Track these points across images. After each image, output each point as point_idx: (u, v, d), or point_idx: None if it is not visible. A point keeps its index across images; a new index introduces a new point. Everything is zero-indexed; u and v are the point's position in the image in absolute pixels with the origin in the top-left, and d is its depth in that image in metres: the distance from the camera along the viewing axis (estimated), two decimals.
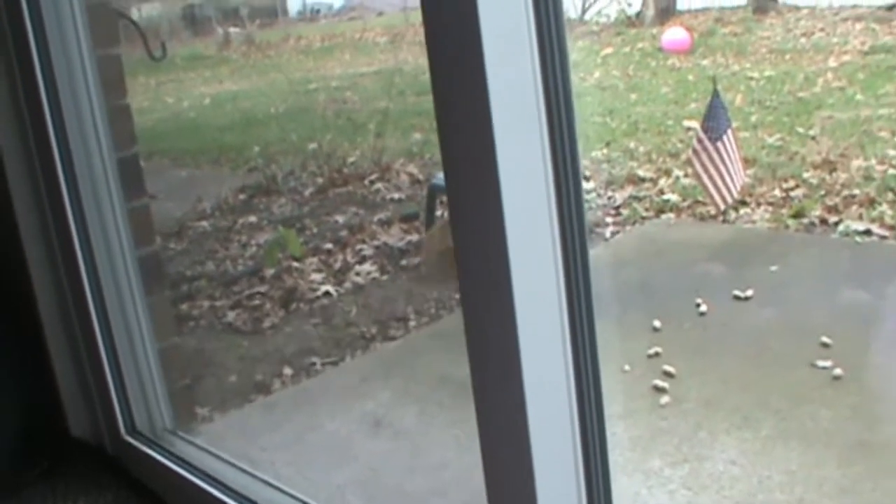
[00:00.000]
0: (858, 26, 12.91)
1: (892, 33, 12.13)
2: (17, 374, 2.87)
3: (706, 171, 5.46)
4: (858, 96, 9.07)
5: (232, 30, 18.71)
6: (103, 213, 2.73)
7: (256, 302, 5.25)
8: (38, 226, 2.80)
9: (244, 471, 2.71)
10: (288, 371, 4.40)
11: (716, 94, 5.69)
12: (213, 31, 18.19)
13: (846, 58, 11.21)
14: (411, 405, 3.77)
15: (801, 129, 8.02)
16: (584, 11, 16.25)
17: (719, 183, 5.51)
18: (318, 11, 21.16)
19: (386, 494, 3.17)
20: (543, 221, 1.43)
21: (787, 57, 11.18)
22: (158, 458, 2.76)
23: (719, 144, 5.50)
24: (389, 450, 3.48)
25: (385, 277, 5.50)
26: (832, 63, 10.96)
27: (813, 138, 7.72)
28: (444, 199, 6.07)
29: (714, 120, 5.55)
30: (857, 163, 6.68)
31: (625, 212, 6.25)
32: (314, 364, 4.45)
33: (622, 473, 3.14)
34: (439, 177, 6.08)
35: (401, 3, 18.53)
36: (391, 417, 3.69)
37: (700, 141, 5.48)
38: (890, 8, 13.22)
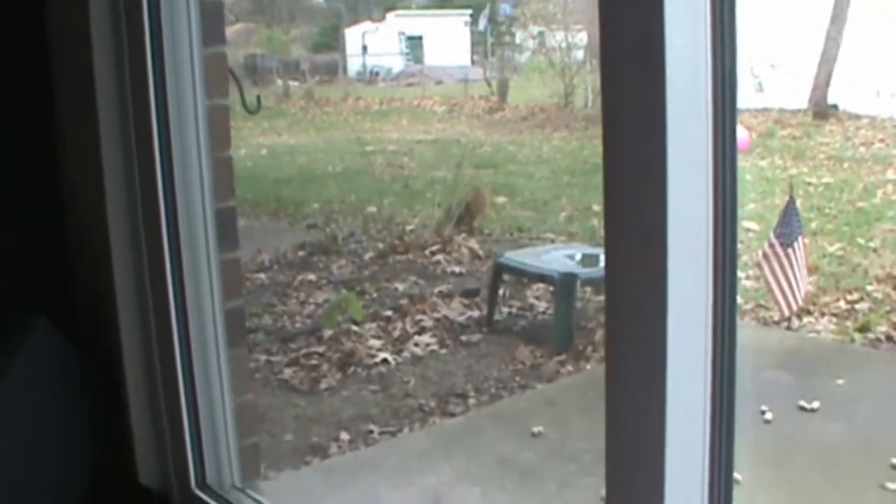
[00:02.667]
0: None
1: None
2: (92, 416, 2.84)
3: (774, 276, 5.42)
4: None
5: (292, 83, 18.91)
6: (198, 263, 2.72)
7: (314, 362, 5.23)
8: (133, 266, 2.79)
9: None
10: (345, 436, 4.36)
11: (792, 200, 5.67)
12: (273, 83, 18.38)
13: None
14: (473, 486, 3.72)
15: (861, 241, 7.96)
16: None
17: (786, 289, 5.46)
18: (377, 74, 21.38)
19: None
20: (701, 301, 1.41)
21: (846, 165, 11.15)
22: None
23: (790, 251, 5.46)
24: None
25: (444, 351, 5.47)
26: (891, 175, 10.90)
27: (875, 250, 7.66)
28: (512, 277, 6.09)
29: (787, 226, 5.52)
30: None
31: None
32: (371, 432, 4.41)
33: None
34: (507, 256, 6.08)
35: (460, 74, 18.71)
36: (452, 496, 3.63)
37: (771, 246, 5.45)
38: None
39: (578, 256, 5.78)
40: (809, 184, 10.76)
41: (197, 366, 2.76)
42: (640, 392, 1.43)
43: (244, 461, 2.93)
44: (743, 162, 11.85)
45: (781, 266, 5.41)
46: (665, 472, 1.43)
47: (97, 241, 2.78)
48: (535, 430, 4.23)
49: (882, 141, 13.02)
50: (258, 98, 4.32)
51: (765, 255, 5.45)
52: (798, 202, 9.86)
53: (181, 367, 2.75)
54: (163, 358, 2.80)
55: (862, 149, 12.69)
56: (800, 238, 5.67)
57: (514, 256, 6.14)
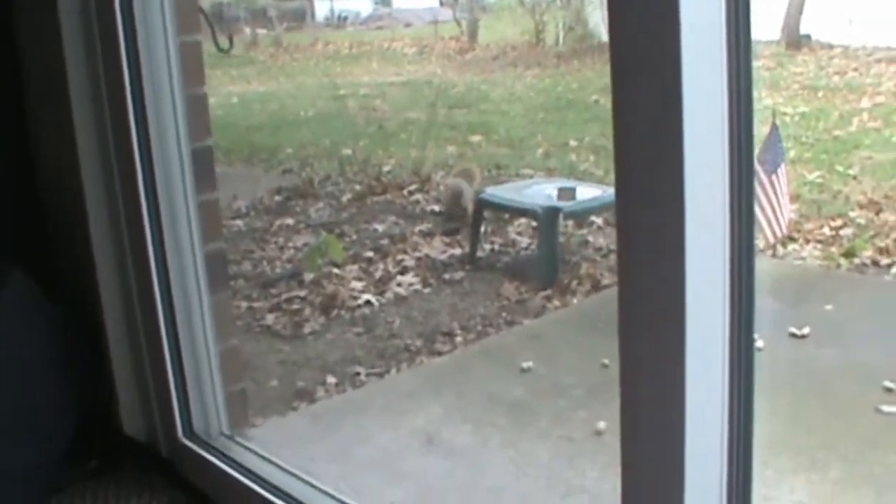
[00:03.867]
0: (892, 68, 12.86)
1: None
2: (74, 368, 2.76)
3: (759, 203, 5.35)
4: (895, 138, 8.99)
5: (260, 31, 18.71)
6: (175, 205, 2.63)
7: (296, 306, 5.14)
8: (109, 213, 2.70)
9: (303, 479, 2.61)
10: (331, 379, 4.29)
11: (774, 126, 5.59)
12: (241, 31, 18.13)
13: (880, 99, 11.14)
14: (464, 424, 3.65)
15: (840, 168, 7.93)
16: None
17: (771, 217, 5.40)
18: (345, 18, 21.28)
19: None
20: (719, 230, 1.34)
21: (820, 94, 11.15)
22: (217, 462, 2.65)
23: (773, 178, 5.39)
24: (443, 469, 3.36)
25: (427, 290, 5.40)
26: (865, 103, 10.89)
27: (854, 178, 7.63)
28: (492, 214, 6.01)
29: (771, 153, 5.44)
30: None
31: None
32: (358, 374, 4.35)
33: None
34: (488, 192, 5.99)
35: (429, 15, 18.56)
36: (443, 435, 3.57)
37: (756, 173, 5.37)
38: None
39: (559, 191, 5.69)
40: (785, 113, 10.71)
41: (179, 312, 2.68)
42: (657, 329, 1.36)
43: (231, 408, 2.86)
44: None
45: (766, 193, 5.34)
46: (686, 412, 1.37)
47: (70, 188, 2.68)
48: (524, 365, 4.18)
49: (855, 70, 13.01)
50: (230, 38, 4.19)
51: None
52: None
53: (163, 315, 2.66)
54: (143, 306, 2.71)
55: (836, 78, 12.67)
56: (782, 165, 5.60)
57: (496, 192, 6.05)
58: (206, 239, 2.70)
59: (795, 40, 14.75)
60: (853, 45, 14.34)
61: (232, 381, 2.88)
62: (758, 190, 5.34)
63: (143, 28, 2.45)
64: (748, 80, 1.32)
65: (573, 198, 5.56)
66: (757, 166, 5.39)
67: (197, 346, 2.73)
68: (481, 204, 5.79)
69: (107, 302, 2.77)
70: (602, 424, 3.57)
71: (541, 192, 5.70)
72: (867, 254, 5.74)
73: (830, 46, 14.50)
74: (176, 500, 2.65)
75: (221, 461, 2.64)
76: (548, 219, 5.37)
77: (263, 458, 2.67)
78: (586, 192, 5.81)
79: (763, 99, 11.64)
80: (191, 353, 2.72)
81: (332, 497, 2.57)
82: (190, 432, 2.75)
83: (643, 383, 1.42)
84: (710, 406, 1.41)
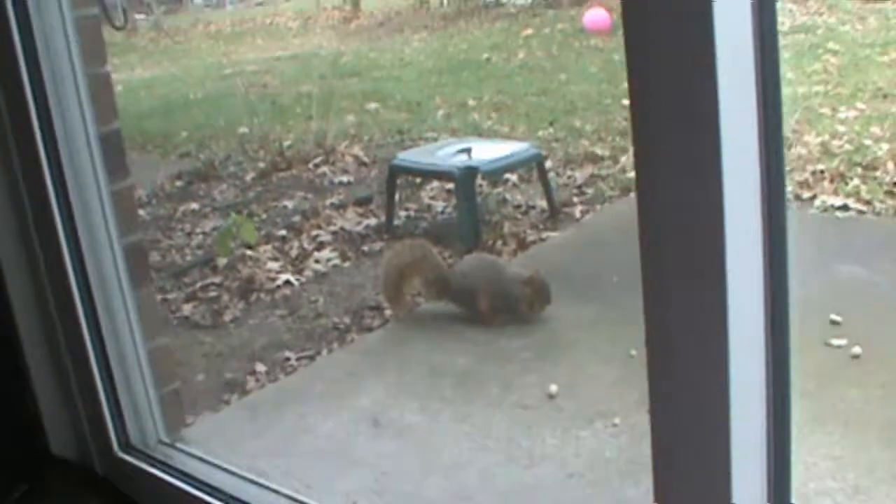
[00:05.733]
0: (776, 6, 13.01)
1: (808, 13, 12.27)
2: None
3: None
4: (790, 74, 9.05)
5: (137, 16, 18.20)
6: (88, 196, 2.38)
7: (213, 293, 4.89)
8: (13, 209, 2.44)
9: (255, 482, 2.42)
10: (261, 368, 4.06)
11: None
12: (118, 18, 17.54)
13: None
14: (410, 401, 3.47)
15: None
16: None
17: None
18: None
19: (405, 503, 2.87)
20: (752, 188, 1.18)
21: None
22: (159, 474, 2.44)
23: None
24: (396, 451, 3.17)
25: (347, 264, 5.19)
26: None
27: None
28: (403, 180, 5.82)
29: None
30: (809, 138, 6.57)
31: (589, 191, 6.03)
32: (288, 359, 4.13)
33: None
34: (400, 157, 5.79)
35: None
36: (391, 415, 3.38)
37: None
38: None
39: (473, 149, 5.50)
40: None
41: (102, 313, 2.44)
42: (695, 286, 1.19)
43: (166, 412, 2.64)
44: (608, 43, 11.79)
45: None
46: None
47: None
48: (463, 334, 4.02)
49: None
50: (124, 12, 3.91)
51: None
52: None
53: (84, 318, 2.42)
54: (61, 309, 2.46)
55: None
56: None
57: (408, 156, 5.85)
58: (123, 231, 2.47)
59: None
60: None
61: (164, 382, 2.66)
62: None
63: (36, 6, 2.20)
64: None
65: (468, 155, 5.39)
66: None
67: (124, 348, 2.50)
68: (395, 170, 5.58)
69: (19, 309, 2.52)
70: (553, 388, 3.43)
71: (453, 152, 5.50)
72: (788, 188, 5.69)
73: None
74: None
75: (165, 472, 2.44)
76: (465, 179, 5.19)
77: (210, 463, 2.47)
78: (501, 149, 5.65)
79: None
80: (118, 356, 2.49)
81: (288, 497, 2.39)
82: (126, 444, 2.52)
83: (679, 354, 1.24)
84: (753, 367, 1.25)
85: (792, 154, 6.38)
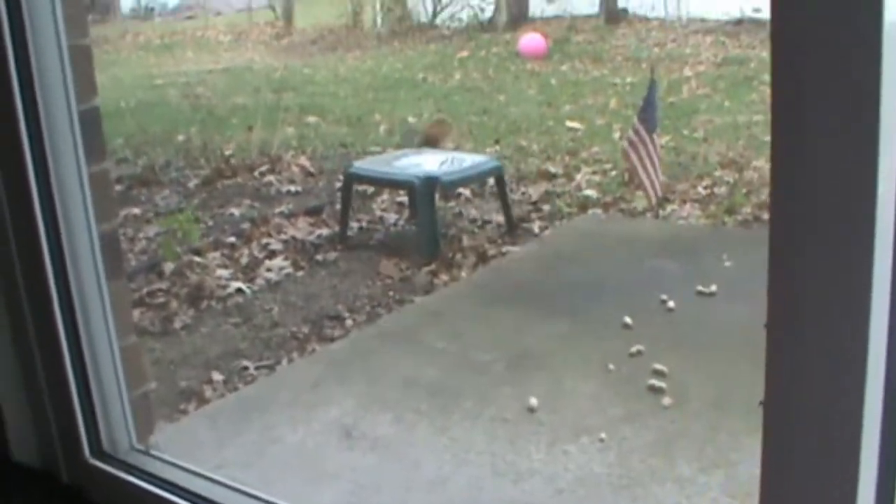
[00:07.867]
0: (709, 39, 13.26)
1: (740, 46, 12.52)
2: None
3: (641, 162, 5.17)
4: (727, 103, 9.15)
5: None
6: (66, 179, 2.17)
7: (160, 299, 4.66)
8: None
9: (235, 488, 2.24)
10: (218, 376, 3.86)
11: (653, 84, 5.42)
12: None
13: (701, 68, 11.44)
14: (382, 412, 3.29)
15: (686, 132, 7.97)
16: (434, 15, 16.09)
17: (653, 176, 5.23)
18: (152, 9, 20.83)
19: None
20: None
21: (644, 65, 11.32)
22: (135, 481, 2.23)
23: (654, 136, 5.22)
24: (372, 464, 2.99)
25: (301, 273, 5.00)
26: (688, 72, 11.15)
27: (705, 140, 7.66)
28: (354, 191, 5.65)
29: (650, 111, 5.27)
30: (758, 163, 6.58)
31: (545, 207, 5.93)
32: (246, 368, 3.93)
33: (652, 482, 2.77)
34: (356, 165, 5.62)
35: (241, 2, 18.10)
36: (363, 427, 3.20)
37: (637, 132, 5.18)
38: (737, 23, 13.59)
39: (433, 160, 5.37)
40: (615, 84, 10.79)
41: (79, 307, 2.23)
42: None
43: (138, 415, 2.43)
44: (544, 67, 11.82)
45: (647, 152, 5.16)
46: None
47: None
48: (432, 345, 3.86)
49: (674, 41, 13.39)
50: None
51: (631, 143, 5.18)
52: (613, 100, 9.90)
53: (60, 311, 2.20)
54: (34, 301, 2.24)
55: (656, 49, 12.94)
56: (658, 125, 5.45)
57: (366, 165, 5.68)
58: (101, 217, 2.26)
59: (614, 14, 15.00)
60: (669, 17, 14.75)
61: (136, 383, 2.45)
62: (640, 149, 5.17)
63: None
64: None
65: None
66: (638, 125, 5.22)
67: (98, 346, 2.28)
68: (351, 178, 5.41)
69: None
70: (533, 401, 3.28)
71: (413, 163, 5.36)
72: (747, 210, 5.67)
73: (647, 19, 14.88)
74: None
75: (141, 479, 2.22)
76: (425, 190, 5.04)
77: (190, 471, 2.27)
78: (460, 160, 5.52)
79: (591, 71, 11.77)
80: (92, 354, 2.27)
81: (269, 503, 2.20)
82: (99, 450, 2.30)
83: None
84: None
85: (745, 177, 6.38)
